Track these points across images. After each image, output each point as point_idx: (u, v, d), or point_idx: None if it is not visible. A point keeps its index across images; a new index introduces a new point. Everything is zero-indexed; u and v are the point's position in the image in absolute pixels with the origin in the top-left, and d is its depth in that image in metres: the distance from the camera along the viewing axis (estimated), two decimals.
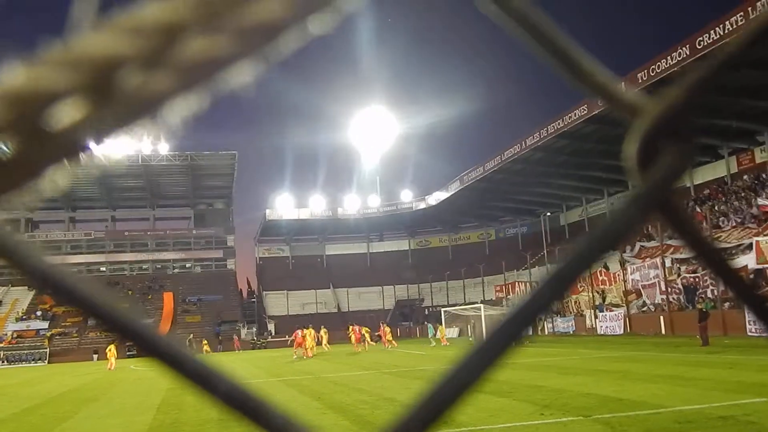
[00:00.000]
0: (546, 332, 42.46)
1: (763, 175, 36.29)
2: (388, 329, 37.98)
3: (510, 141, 46.82)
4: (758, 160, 39.19)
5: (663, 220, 0.46)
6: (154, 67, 0.31)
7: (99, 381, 22.95)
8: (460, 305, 41.00)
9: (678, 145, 0.45)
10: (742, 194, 36.09)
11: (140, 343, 0.36)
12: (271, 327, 59.18)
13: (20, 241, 0.33)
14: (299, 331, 32.48)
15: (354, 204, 70.94)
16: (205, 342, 42.78)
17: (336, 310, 64.69)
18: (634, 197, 0.45)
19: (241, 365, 28.09)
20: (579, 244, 0.44)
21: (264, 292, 67.50)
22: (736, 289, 0.51)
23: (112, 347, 32.74)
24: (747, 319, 24.36)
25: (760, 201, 32.85)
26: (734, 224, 32.77)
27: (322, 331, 34.97)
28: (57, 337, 52.36)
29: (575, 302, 41.85)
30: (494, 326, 0.40)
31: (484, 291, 52.45)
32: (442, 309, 40.77)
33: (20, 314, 54.91)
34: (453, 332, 44.14)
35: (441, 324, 39.94)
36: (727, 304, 25.89)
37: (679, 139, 0.45)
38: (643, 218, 0.45)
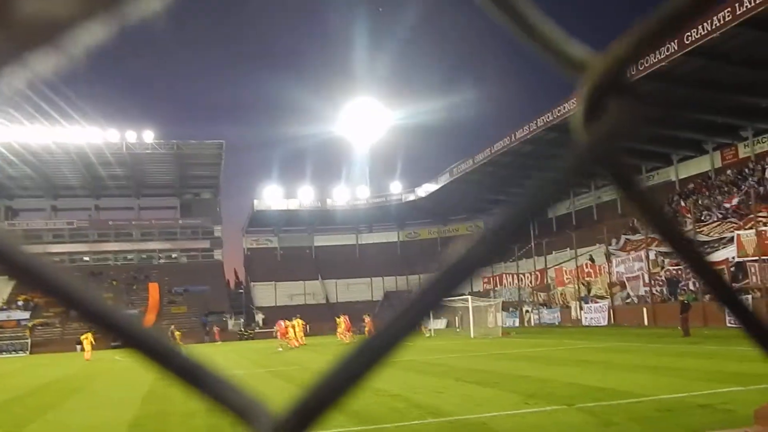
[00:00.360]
0: (532, 323, 42.85)
1: (745, 170, 36.77)
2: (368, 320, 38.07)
3: (500, 133, 47.02)
4: (741, 155, 39.68)
5: (609, 178, 0.46)
6: None
7: (83, 372, 22.82)
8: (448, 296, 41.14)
9: (623, 99, 0.44)
10: (725, 189, 36.55)
11: (120, 335, 0.36)
12: (258, 318, 59.10)
13: None
14: (282, 322, 32.45)
15: (343, 195, 70.84)
16: (177, 332, 42.27)
17: (324, 302, 64.73)
18: (575, 151, 0.44)
19: (228, 356, 28.08)
20: (513, 203, 0.44)
21: (252, 283, 67.31)
22: (685, 255, 0.51)
23: (89, 335, 32.43)
24: (726, 311, 24.71)
25: (727, 205, 33.34)
26: (717, 218, 33.21)
27: (295, 322, 33.90)
28: (39, 327, 51.79)
29: (561, 294, 42.26)
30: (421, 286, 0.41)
31: (471, 282, 52.56)
32: None
33: (0, 304, 54.31)
34: (441, 323, 44.39)
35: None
36: (707, 296, 26.30)
37: (624, 93, 0.44)
38: (584, 172, 0.44)
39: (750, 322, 0.55)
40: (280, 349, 29.97)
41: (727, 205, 33.01)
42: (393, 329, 0.41)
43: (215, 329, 51.72)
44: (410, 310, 0.41)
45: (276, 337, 36.55)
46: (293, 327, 31.76)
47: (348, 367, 0.39)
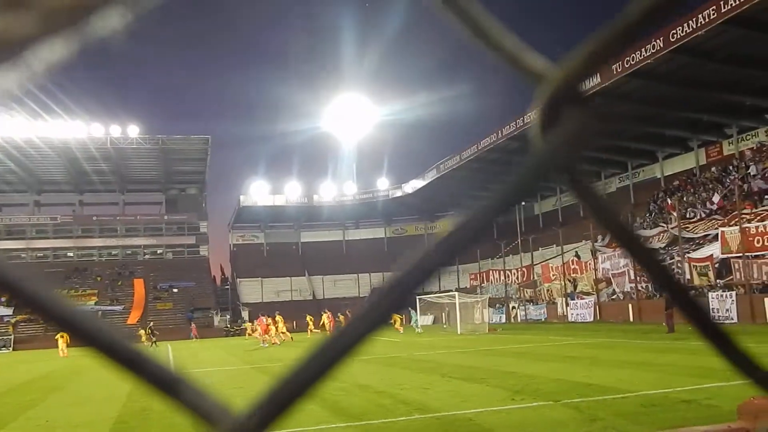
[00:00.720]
0: (519, 319, 43.06)
1: (730, 167, 37.16)
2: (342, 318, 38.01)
3: (487, 130, 47.16)
4: (726, 153, 40.11)
5: (567, 185, 0.48)
6: (17, 8, 0.30)
7: (66, 368, 22.56)
8: (435, 293, 41.30)
9: (578, 109, 0.46)
10: (710, 186, 36.91)
11: (83, 337, 0.37)
12: (245, 314, 58.87)
13: None
14: (263, 318, 32.35)
15: (330, 191, 70.67)
16: (142, 331, 41.48)
17: (311, 298, 64.60)
18: (533, 159, 0.46)
19: (214, 353, 27.92)
20: (472, 209, 0.44)
21: (238, 279, 66.99)
22: (642, 261, 0.52)
23: (64, 334, 32.21)
24: (710, 307, 25.03)
25: (716, 198, 33.68)
26: (702, 215, 33.53)
27: (278, 318, 33.11)
28: (22, 323, 51.21)
29: (547, 290, 42.50)
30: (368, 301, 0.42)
31: (458, 279, 52.90)
32: (417, 297, 41.01)
33: None
34: (428, 320, 44.46)
35: (409, 313, 40.10)
36: (692, 293, 26.55)
37: (579, 103, 0.46)
38: (541, 180, 0.46)
39: (704, 324, 0.56)
40: (264, 345, 29.88)
41: (713, 206, 33.29)
42: (358, 327, 0.42)
43: (192, 326, 50.72)
44: (375, 309, 0.43)
45: (247, 334, 37.23)
46: (275, 324, 31.60)
47: (310, 365, 0.40)
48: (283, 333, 31.57)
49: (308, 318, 39.30)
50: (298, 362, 0.40)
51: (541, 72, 0.47)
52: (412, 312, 42.30)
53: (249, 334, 38.78)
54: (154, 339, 36.41)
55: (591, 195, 0.49)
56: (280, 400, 0.40)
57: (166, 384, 0.40)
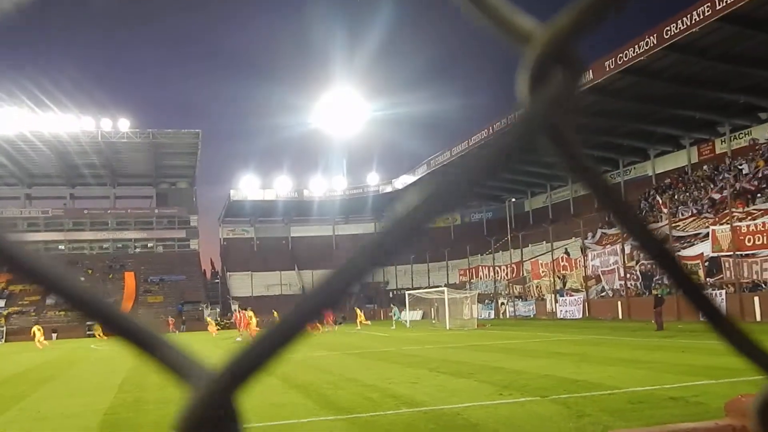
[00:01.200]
0: (507, 315, 43.19)
1: (722, 166, 37.38)
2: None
3: (478, 126, 47.21)
4: (718, 151, 40.31)
5: (551, 146, 0.47)
6: None
7: (58, 360, 22.46)
8: (425, 288, 41.33)
9: (565, 69, 0.45)
10: (702, 184, 37.12)
11: (105, 322, 0.40)
12: (234, 308, 58.79)
13: None
14: (244, 312, 32.43)
15: (320, 186, 70.57)
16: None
17: (301, 292, 64.32)
18: (517, 119, 0.45)
19: (205, 346, 27.85)
20: (449, 171, 0.45)
21: (228, 273, 66.86)
22: (633, 231, 0.51)
23: (39, 326, 33.79)
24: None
25: (708, 196, 33.90)
26: (693, 213, 33.69)
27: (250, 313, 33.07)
28: (14, 315, 50.95)
29: (537, 287, 42.62)
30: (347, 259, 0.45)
31: (448, 275, 52.97)
32: (407, 292, 41.05)
33: None
34: (417, 315, 44.55)
35: (359, 308, 40.46)
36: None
37: (566, 63, 0.45)
38: (525, 141, 0.45)
39: (711, 313, 0.55)
40: (239, 339, 29.83)
41: (716, 196, 33.33)
42: (296, 316, 0.45)
43: (169, 319, 49.86)
44: (316, 295, 0.46)
45: (208, 329, 39.16)
46: (250, 318, 31.53)
47: (270, 338, 0.43)
48: (254, 328, 31.42)
49: (274, 313, 39.24)
50: (263, 332, 0.43)
51: (530, 32, 0.46)
52: (394, 308, 42.54)
53: (215, 330, 39.60)
54: None
55: (578, 160, 0.48)
56: (250, 360, 0.42)
57: (145, 342, 0.42)
